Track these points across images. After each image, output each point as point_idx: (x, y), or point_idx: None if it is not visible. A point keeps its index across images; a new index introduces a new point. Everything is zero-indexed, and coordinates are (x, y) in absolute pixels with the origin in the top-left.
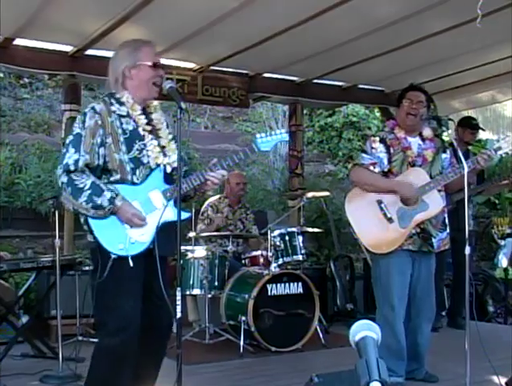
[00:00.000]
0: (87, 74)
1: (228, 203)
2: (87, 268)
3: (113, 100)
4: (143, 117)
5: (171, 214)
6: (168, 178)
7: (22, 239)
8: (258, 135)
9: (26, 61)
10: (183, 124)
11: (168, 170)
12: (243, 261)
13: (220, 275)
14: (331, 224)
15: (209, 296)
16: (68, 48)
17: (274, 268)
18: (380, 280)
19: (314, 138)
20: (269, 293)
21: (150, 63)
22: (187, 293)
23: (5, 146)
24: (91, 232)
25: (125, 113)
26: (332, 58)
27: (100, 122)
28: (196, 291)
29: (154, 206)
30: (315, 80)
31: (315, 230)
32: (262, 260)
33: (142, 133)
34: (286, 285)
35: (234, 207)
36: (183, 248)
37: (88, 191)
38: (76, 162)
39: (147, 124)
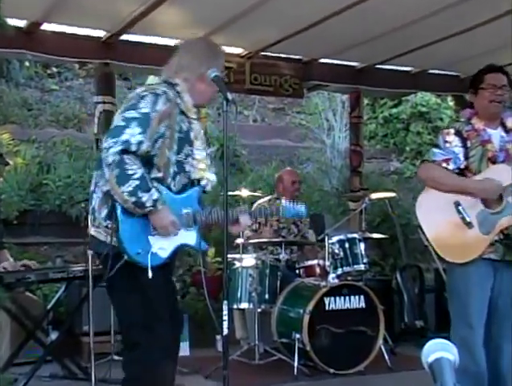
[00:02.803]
0: (122, 62)
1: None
2: None
3: (175, 92)
4: (196, 122)
5: (192, 239)
6: (200, 199)
7: (50, 246)
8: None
9: (54, 48)
10: (229, 117)
11: (208, 188)
12: (297, 271)
13: (272, 287)
14: (397, 229)
15: (259, 310)
16: (101, 33)
17: (333, 279)
18: (456, 293)
19: (377, 132)
20: (327, 308)
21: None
22: (235, 306)
23: (31, 143)
24: (115, 223)
25: (184, 110)
26: (398, 39)
27: (169, 111)
28: (245, 305)
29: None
30: (379, 66)
31: (379, 236)
32: (318, 270)
33: (192, 138)
34: (347, 298)
35: None
36: (229, 256)
37: (136, 182)
38: (139, 144)
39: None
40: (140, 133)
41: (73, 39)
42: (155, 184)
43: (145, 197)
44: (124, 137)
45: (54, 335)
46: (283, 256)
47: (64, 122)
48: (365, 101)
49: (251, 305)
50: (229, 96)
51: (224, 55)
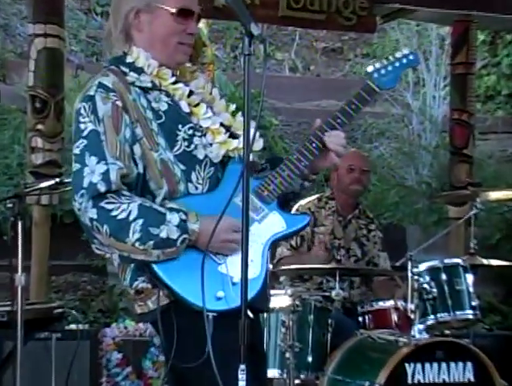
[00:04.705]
0: None
1: (335, 207)
2: (73, 326)
3: (124, 68)
4: (181, 85)
5: (279, 224)
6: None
7: None
8: (370, 68)
9: None
10: (252, 63)
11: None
12: (360, 319)
13: (318, 343)
14: None
15: (297, 382)
16: None
17: (420, 332)
18: None
19: (499, 88)
20: (409, 381)
21: (173, 10)
22: None
23: None
24: (165, 285)
25: (149, 84)
26: None
27: (120, 104)
28: (273, 372)
29: (250, 216)
30: None
31: (500, 263)
32: (395, 317)
33: (186, 109)
34: (443, 365)
35: (346, 217)
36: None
37: (140, 221)
38: (105, 176)
39: (189, 96)
40: (98, 162)
41: None
42: (172, 203)
43: (164, 231)
44: (85, 181)
45: None
46: (338, 292)
47: None
48: (480, 37)
49: (284, 374)
50: (254, 28)
51: None
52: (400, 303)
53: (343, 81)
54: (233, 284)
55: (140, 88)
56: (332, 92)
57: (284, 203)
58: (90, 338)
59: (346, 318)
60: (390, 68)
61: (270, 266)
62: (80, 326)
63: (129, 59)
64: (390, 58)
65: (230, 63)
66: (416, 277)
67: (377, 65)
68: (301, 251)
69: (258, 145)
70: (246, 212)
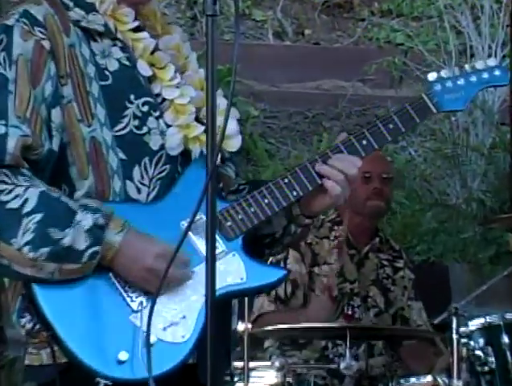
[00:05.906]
0: None
1: (345, 234)
2: None
3: (69, 1)
4: (146, 34)
5: (237, 273)
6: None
7: None
8: (432, 76)
9: None
10: (219, 27)
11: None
12: None
13: None
14: None
15: None
16: None
17: None
18: None
19: None
20: None
21: None
22: None
23: None
24: (46, 325)
25: (101, 28)
26: None
27: (47, 46)
28: None
29: (198, 252)
30: None
31: None
32: None
33: (146, 72)
34: None
35: (362, 249)
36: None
37: (37, 217)
38: (1, 144)
39: (153, 52)
40: None
41: None
42: (86, 201)
43: (69, 235)
44: None
45: None
46: (350, 364)
47: None
48: None
49: None
50: None
51: None
52: (442, 379)
53: (353, 51)
54: (147, 344)
55: (86, 30)
56: (337, 67)
57: (255, 248)
58: None
59: None
60: (461, 82)
61: (249, 326)
62: None
63: None
64: (466, 67)
65: (187, 27)
66: (465, 340)
67: (444, 74)
68: (293, 306)
69: (236, 143)
70: (212, 247)
